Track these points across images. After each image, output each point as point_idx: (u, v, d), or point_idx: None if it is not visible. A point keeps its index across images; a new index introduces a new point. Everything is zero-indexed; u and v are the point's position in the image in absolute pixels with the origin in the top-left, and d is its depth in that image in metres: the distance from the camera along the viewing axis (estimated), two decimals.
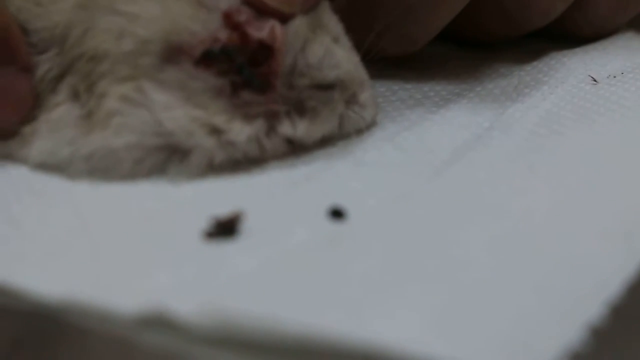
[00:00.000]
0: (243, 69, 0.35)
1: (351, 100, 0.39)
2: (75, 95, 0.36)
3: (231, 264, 0.30)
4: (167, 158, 0.35)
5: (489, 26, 0.48)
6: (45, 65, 0.37)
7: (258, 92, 0.36)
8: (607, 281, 0.29)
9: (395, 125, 0.41)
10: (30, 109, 0.37)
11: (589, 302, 0.28)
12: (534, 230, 0.32)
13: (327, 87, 0.37)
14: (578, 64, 0.47)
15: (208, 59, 0.35)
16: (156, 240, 0.32)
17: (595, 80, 0.45)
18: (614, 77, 0.45)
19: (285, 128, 0.36)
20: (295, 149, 0.37)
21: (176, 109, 0.35)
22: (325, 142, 0.38)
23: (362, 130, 0.40)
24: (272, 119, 0.36)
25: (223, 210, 0.33)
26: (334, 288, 0.29)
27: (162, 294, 0.28)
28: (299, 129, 0.37)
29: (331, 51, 0.37)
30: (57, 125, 0.36)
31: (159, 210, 0.34)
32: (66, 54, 0.36)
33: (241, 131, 0.35)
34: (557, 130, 0.40)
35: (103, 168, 0.35)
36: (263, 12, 0.35)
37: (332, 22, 0.38)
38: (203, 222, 0.32)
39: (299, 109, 0.37)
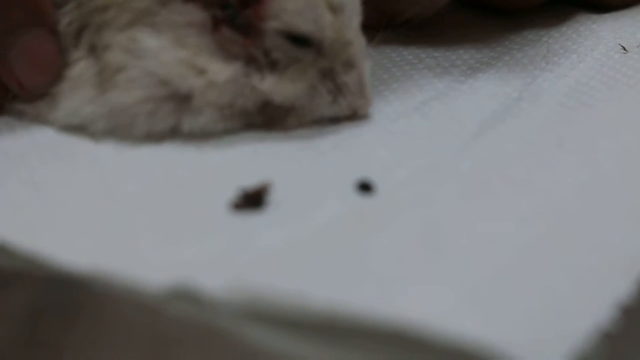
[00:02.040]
0: (228, 5, 0.35)
1: (328, 75, 0.37)
2: (92, 50, 0.36)
3: (259, 237, 0.30)
4: (177, 107, 0.36)
5: None
6: (65, 18, 0.36)
7: (239, 32, 0.36)
8: (637, 259, 0.29)
9: (423, 93, 0.41)
10: (58, 70, 0.36)
11: (619, 280, 0.28)
12: (562, 207, 0.32)
13: (298, 40, 0.36)
14: (607, 32, 0.46)
15: None
16: (182, 210, 0.32)
17: (625, 49, 0.44)
18: None
19: (255, 79, 0.36)
20: (269, 116, 0.37)
21: (166, 52, 0.35)
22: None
23: (338, 118, 0.38)
24: (250, 64, 0.36)
25: (250, 179, 0.33)
26: (362, 264, 0.29)
27: (189, 268, 0.28)
28: (267, 81, 0.36)
29: (315, 8, 0.36)
30: (77, 83, 0.36)
31: (185, 177, 0.34)
32: (84, 6, 0.36)
33: (221, 71, 0.35)
34: (587, 102, 0.39)
35: (123, 125, 0.36)
36: None
37: None
38: (230, 191, 0.32)
39: (271, 64, 0.36)
